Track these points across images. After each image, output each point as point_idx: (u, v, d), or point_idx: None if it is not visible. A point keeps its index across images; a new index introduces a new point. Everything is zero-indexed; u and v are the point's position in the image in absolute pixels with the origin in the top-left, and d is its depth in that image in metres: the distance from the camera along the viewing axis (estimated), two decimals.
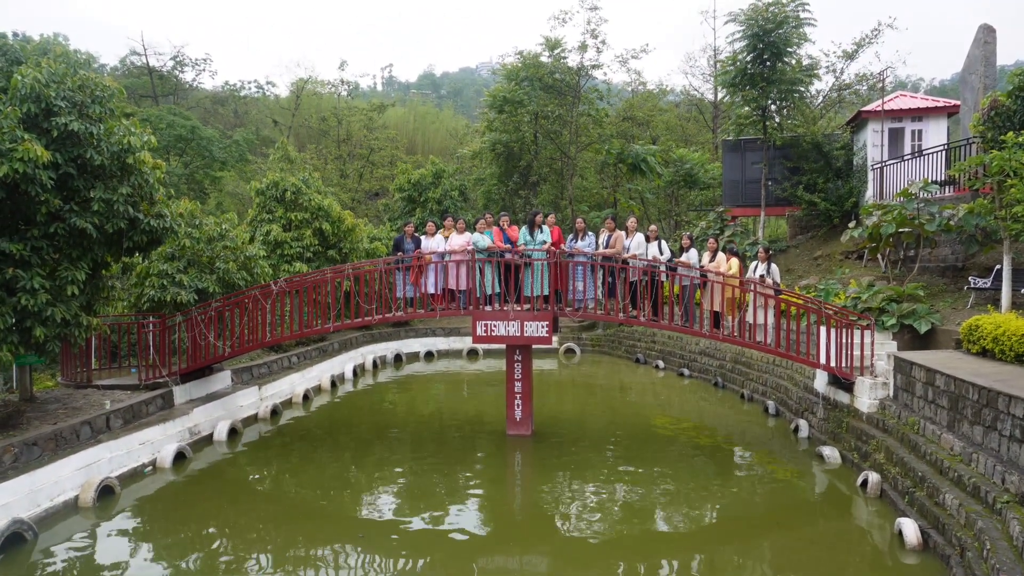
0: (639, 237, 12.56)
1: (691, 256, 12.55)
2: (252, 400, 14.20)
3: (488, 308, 12.08)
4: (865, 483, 9.41)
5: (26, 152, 8.86)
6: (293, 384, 16.18)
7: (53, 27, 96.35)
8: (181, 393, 12.61)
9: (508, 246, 12.19)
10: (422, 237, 13.16)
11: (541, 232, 12.14)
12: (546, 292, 11.93)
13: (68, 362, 12.56)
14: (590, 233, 12.72)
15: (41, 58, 10.37)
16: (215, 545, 7.96)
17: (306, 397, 15.95)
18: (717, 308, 12.11)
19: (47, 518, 8.63)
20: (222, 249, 14.66)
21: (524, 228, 12.39)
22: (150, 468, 10.66)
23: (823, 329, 11.51)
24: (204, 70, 54.02)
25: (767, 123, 21.29)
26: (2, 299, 9.00)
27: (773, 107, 21.50)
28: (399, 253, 12.97)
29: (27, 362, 11.00)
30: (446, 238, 12.90)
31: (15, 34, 43.66)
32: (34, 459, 9.04)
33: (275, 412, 14.33)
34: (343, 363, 19.47)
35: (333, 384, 17.69)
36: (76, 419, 10.13)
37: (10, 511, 8.14)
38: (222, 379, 13.97)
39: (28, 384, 11.30)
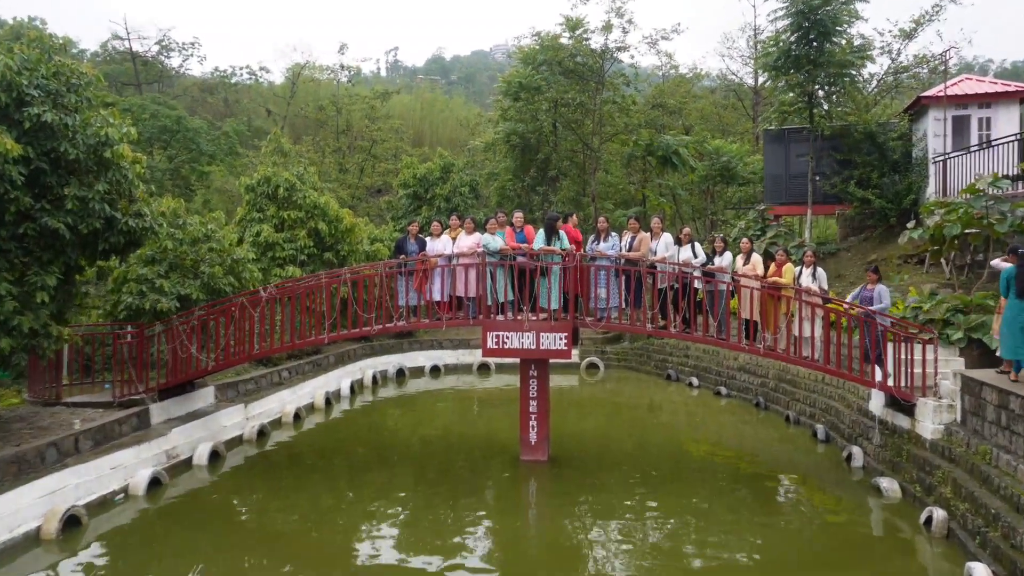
0: (667, 238, 12.45)
1: (724, 261, 12.39)
2: (237, 419, 14.14)
3: (500, 318, 11.94)
4: (929, 521, 9.13)
5: None
6: (283, 402, 16.11)
7: (29, 9, 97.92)
8: (159, 411, 12.56)
9: (523, 246, 12.02)
10: (427, 238, 13.05)
11: (559, 240, 11.93)
12: (565, 300, 11.78)
13: (36, 376, 12.56)
14: (614, 234, 12.56)
15: (13, 43, 10.39)
16: None
17: (297, 416, 15.87)
18: (754, 317, 11.87)
19: (5, 552, 8.55)
20: (207, 252, 14.62)
21: (541, 232, 12.18)
22: (121, 496, 10.57)
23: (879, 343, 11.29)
24: (192, 55, 54.58)
25: (814, 110, 20.94)
26: None
27: (821, 93, 21.15)
28: (401, 256, 12.84)
29: None
30: (453, 239, 12.77)
31: None
32: None
33: (263, 433, 14.26)
34: (339, 378, 19.40)
35: (328, 402, 17.61)
36: (41, 440, 10.07)
37: None
38: (204, 396, 13.92)
39: None
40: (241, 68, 46.53)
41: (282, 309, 12.84)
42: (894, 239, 19.31)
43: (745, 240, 12.96)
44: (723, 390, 18.70)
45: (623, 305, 11.95)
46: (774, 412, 16.45)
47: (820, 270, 12.73)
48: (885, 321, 11.15)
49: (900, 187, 20.14)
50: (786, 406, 16.10)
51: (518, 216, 12.71)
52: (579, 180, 30.97)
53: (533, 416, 12.13)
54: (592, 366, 23.35)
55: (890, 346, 11.17)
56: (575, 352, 21.10)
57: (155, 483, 10.99)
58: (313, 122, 40.95)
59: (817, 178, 21.49)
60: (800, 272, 12.72)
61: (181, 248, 14.34)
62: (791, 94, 21.39)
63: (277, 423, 15.38)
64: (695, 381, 20.07)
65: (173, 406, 12.95)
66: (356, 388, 19.76)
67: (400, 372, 22.40)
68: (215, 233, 15.01)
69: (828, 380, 14.79)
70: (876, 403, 12.25)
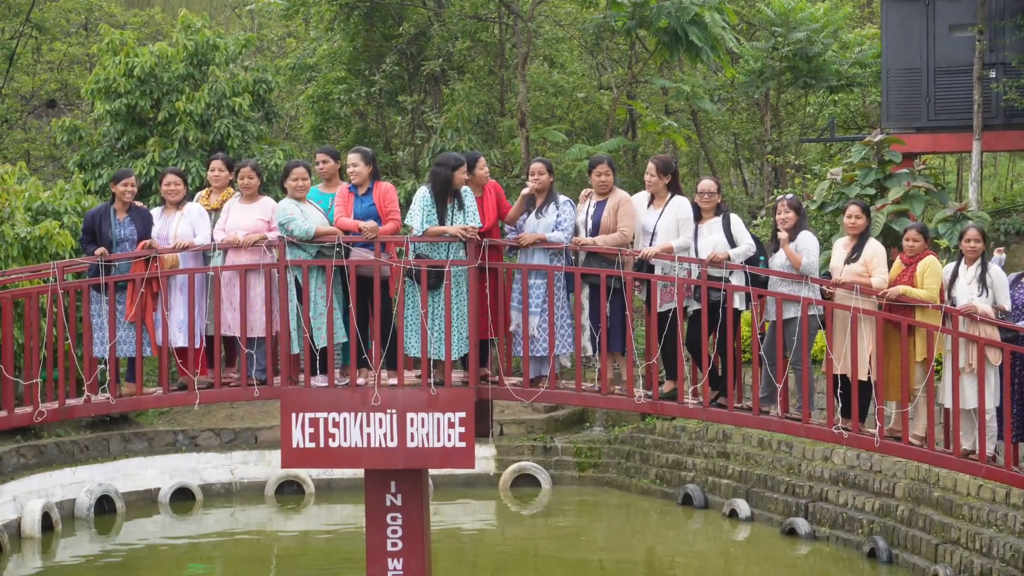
0: (677, 206, 7.76)
1: (805, 246, 7.67)
2: None
3: (319, 382, 7.60)
4: None
5: None
6: None
7: None
8: None
9: (366, 226, 7.48)
10: (156, 210, 8.36)
11: (462, 210, 7.64)
12: (463, 342, 7.51)
13: None
14: (563, 199, 7.96)
15: None
16: None
17: None
18: (864, 375, 7.41)
19: None
20: None
21: (424, 190, 7.67)
22: None
23: None
24: None
25: None
26: None
27: None
28: (99, 250, 8.07)
29: None
30: (215, 211, 8.23)
31: None
32: None
33: None
34: None
35: None
36: None
37: None
38: None
39: None
40: None
41: None
42: None
43: (854, 208, 7.81)
44: (802, 524, 13.12)
45: (586, 350, 7.77)
46: (907, 567, 11.53)
47: (996, 269, 7.68)
48: None
49: None
50: (932, 554, 11.24)
51: (356, 161, 7.60)
52: (491, 80, 19.85)
53: None
54: (525, 480, 15.71)
55: None
56: (486, 451, 14.57)
57: None
58: None
59: (992, 75, 15.16)
60: (955, 273, 7.80)
61: None
62: None
63: None
64: (743, 507, 14.00)
65: None
66: (1, 542, 12.43)
67: (104, 502, 14.27)
68: None
69: (1015, 498, 10.34)
70: None
